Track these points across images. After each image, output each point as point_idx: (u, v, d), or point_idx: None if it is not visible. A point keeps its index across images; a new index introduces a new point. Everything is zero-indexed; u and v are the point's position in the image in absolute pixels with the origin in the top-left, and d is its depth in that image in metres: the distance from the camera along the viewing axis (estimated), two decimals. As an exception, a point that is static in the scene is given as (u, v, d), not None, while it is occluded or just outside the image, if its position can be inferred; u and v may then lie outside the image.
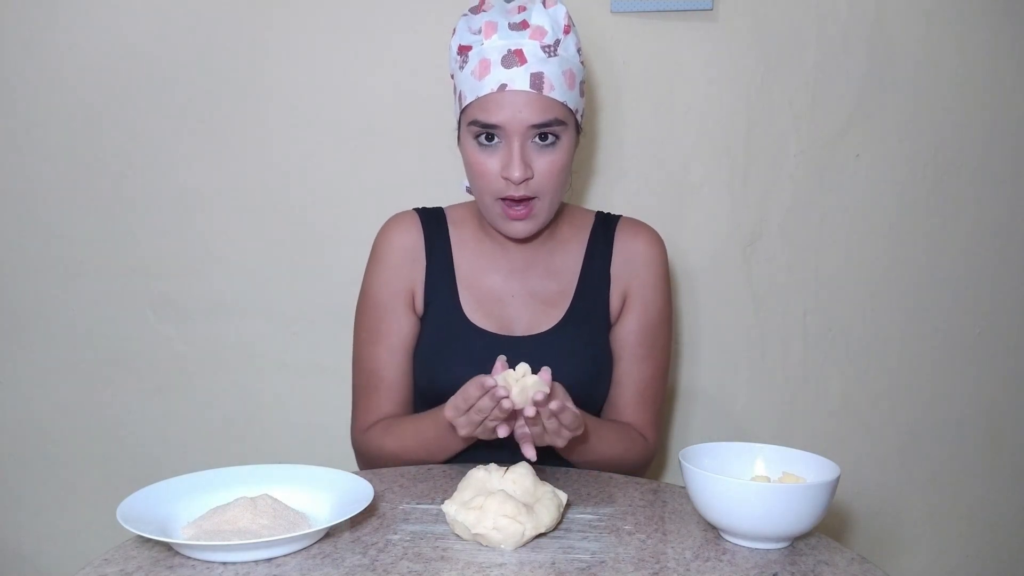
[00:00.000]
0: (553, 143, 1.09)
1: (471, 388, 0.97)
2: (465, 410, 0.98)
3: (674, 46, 1.50)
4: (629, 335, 1.21)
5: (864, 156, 1.55)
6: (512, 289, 1.21)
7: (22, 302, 1.58)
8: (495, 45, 1.07)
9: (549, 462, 1.14)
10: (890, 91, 1.53)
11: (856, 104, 1.53)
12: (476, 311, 1.19)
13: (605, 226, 1.25)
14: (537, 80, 1.06)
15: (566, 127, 1.10)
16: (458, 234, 1.23)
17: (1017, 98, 1.54)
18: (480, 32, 1.09)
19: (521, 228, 1.13)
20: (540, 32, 1.08)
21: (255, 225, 1.56)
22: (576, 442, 1.09)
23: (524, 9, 1.11)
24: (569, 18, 1.11)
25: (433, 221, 1.24)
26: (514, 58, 1.06)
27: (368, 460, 1.22)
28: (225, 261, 1.57)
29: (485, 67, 1.07)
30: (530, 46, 1.07)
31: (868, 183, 1.55)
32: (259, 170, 1.54)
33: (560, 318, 1.19)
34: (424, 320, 1.21)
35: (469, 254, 1.22)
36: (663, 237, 1.26)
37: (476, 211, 1.24)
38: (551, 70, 1.07)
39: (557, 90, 1.08)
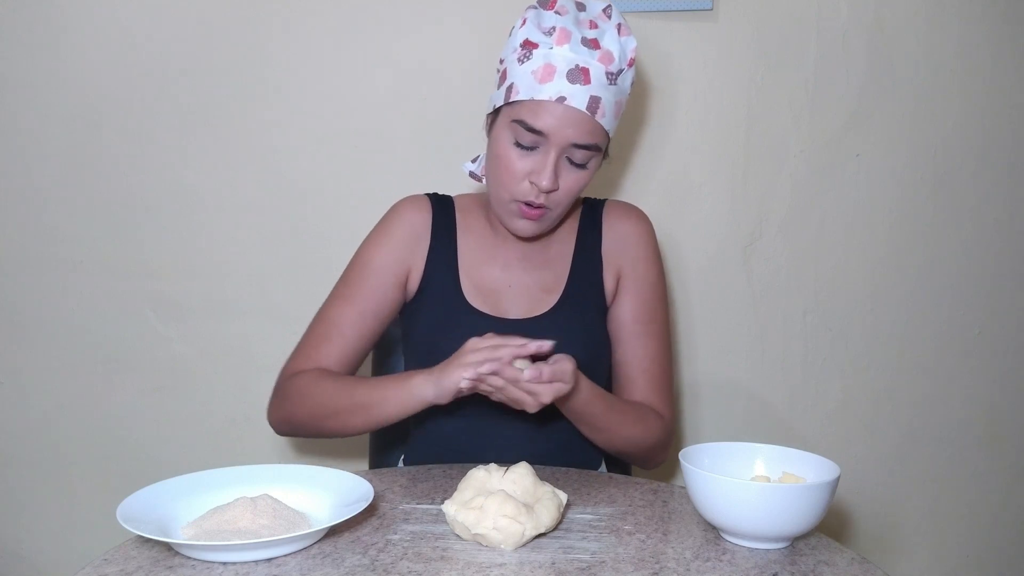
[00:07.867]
0: (583, 165, 1.12)
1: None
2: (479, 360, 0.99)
3: (674, 46, 1.50)
4: (626, 314, 1.22)
5: (864, 156, 1.55)
6: (510, 280, 1.22)
7: (22, 302, 1.58)
8: (564, 55, 1.08)
9: (550, 462, 1.14)
10: (890, 91, 1.53)
11: (856, 104, 1.53)
12: (475, 297, 1.20)
13: (593, 210, 1.27)
14: (594, 104, 1.08)
15: (599, 153, 1.13)
16: (464, 221, 1.25)
17: (1017, 98, 1.54)
18: (551, 35, 1.09)
19: (529, 228, 1.15)
20: (608, 57, 1.09)
21: (255, 225, 1.56)
22: (597, 417, 1.10)
23: (596, 26, 1.11)
24: (636, 52, 1.12)
25: (442, 206, 1.26)
26: (579, 75, 1.07)
27: (282, 402, 1.17)
28: (225, 261, 1.57)
29: (549, 72, 1.07)
30: (596, 68, 1.08)
31: (868, 183, 1.55)
32: (260, 170, 1.54)
33: (555, 302, 1.20)
34: (423, 300, 1.21)
35: (472, 243, 1.23)
36: (663, 238, 1.26)
37: (482, 202, 1.26)
38: (608, 97, 1.09)
39: (607, 118, 1.10)
